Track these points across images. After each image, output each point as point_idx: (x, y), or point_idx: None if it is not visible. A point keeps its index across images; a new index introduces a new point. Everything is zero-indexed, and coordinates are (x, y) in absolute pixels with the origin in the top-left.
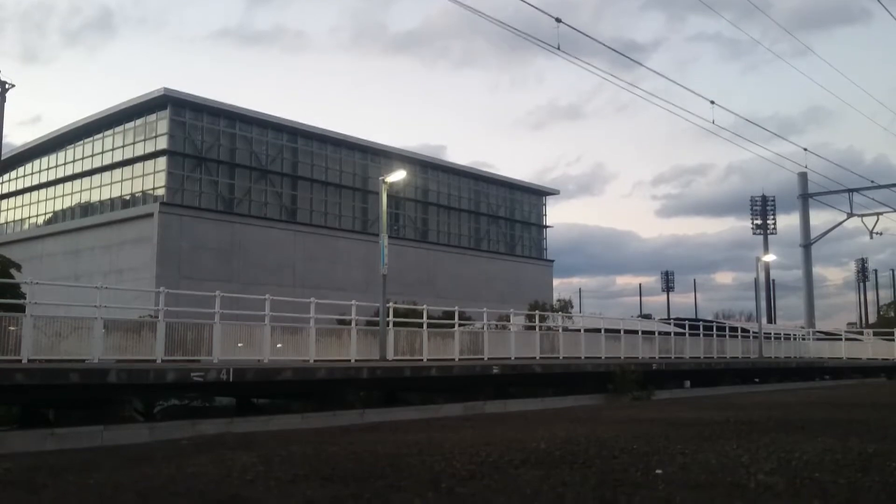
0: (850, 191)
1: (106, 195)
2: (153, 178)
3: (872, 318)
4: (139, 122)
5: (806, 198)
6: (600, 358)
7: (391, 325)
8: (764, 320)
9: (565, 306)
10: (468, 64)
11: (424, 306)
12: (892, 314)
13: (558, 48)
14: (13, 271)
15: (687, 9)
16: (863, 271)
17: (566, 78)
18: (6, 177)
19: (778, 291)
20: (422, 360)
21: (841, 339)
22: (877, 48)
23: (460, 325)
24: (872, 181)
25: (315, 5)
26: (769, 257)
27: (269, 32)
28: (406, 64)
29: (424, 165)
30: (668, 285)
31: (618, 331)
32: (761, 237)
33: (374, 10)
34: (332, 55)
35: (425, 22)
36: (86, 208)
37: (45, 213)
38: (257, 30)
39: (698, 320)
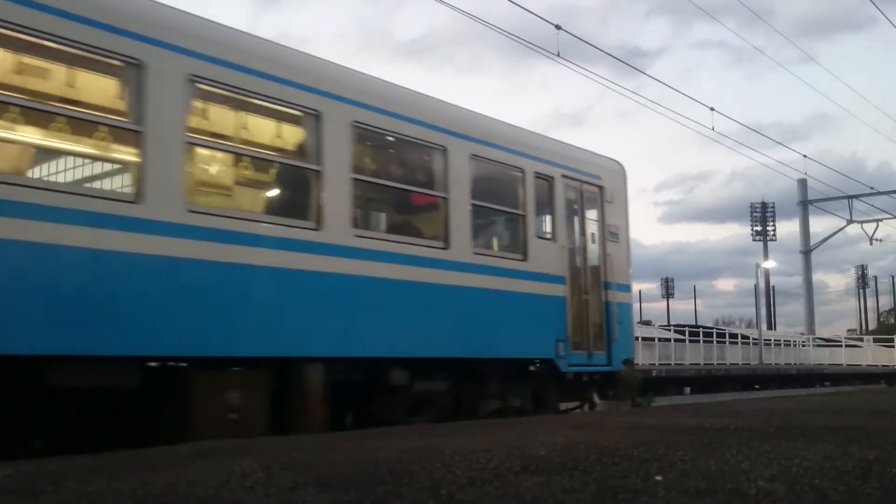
0: (850, 197)
1: None
2: None
3: (873, 325)
4: None
5: (805, 204)
6: None
7: None
8: (764, 327)
9: None
10: (473, 70)
11: None
12: (892, 320)
13: (558, 55)
14: None
15: (692, 16)
16: (863, 278)
17: (570, 85)
18: None
19: (779, 298)
20: None
21: (841, 346)
22: (881, 56)
23: None
24: (872, 188)
25: (321, 12)
26: (769, 264)
27: (275, 39)
28: (411, 70)
29: None
30: (667, 291)
31: None
32: (763, 243)
33: (381, 18)
34: (337, 61)
35: (430, 29)
36: None
37: None
38: (263, 36)
39: (698, 327)
